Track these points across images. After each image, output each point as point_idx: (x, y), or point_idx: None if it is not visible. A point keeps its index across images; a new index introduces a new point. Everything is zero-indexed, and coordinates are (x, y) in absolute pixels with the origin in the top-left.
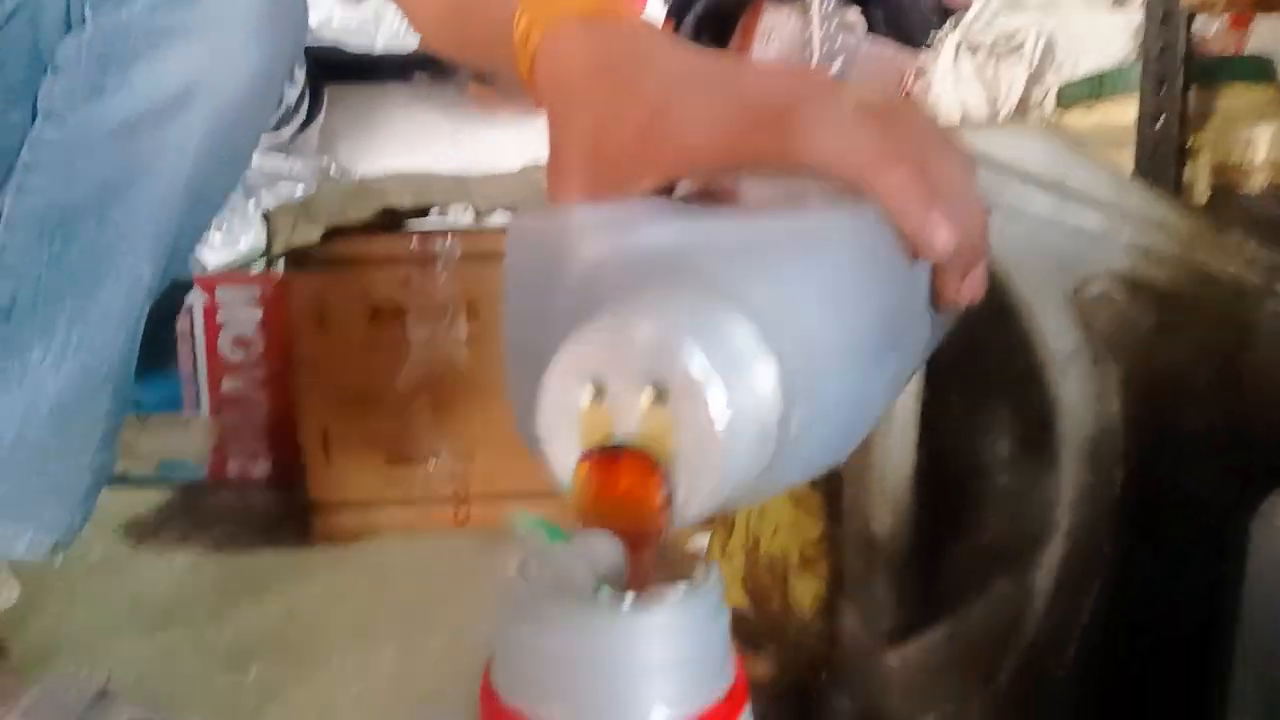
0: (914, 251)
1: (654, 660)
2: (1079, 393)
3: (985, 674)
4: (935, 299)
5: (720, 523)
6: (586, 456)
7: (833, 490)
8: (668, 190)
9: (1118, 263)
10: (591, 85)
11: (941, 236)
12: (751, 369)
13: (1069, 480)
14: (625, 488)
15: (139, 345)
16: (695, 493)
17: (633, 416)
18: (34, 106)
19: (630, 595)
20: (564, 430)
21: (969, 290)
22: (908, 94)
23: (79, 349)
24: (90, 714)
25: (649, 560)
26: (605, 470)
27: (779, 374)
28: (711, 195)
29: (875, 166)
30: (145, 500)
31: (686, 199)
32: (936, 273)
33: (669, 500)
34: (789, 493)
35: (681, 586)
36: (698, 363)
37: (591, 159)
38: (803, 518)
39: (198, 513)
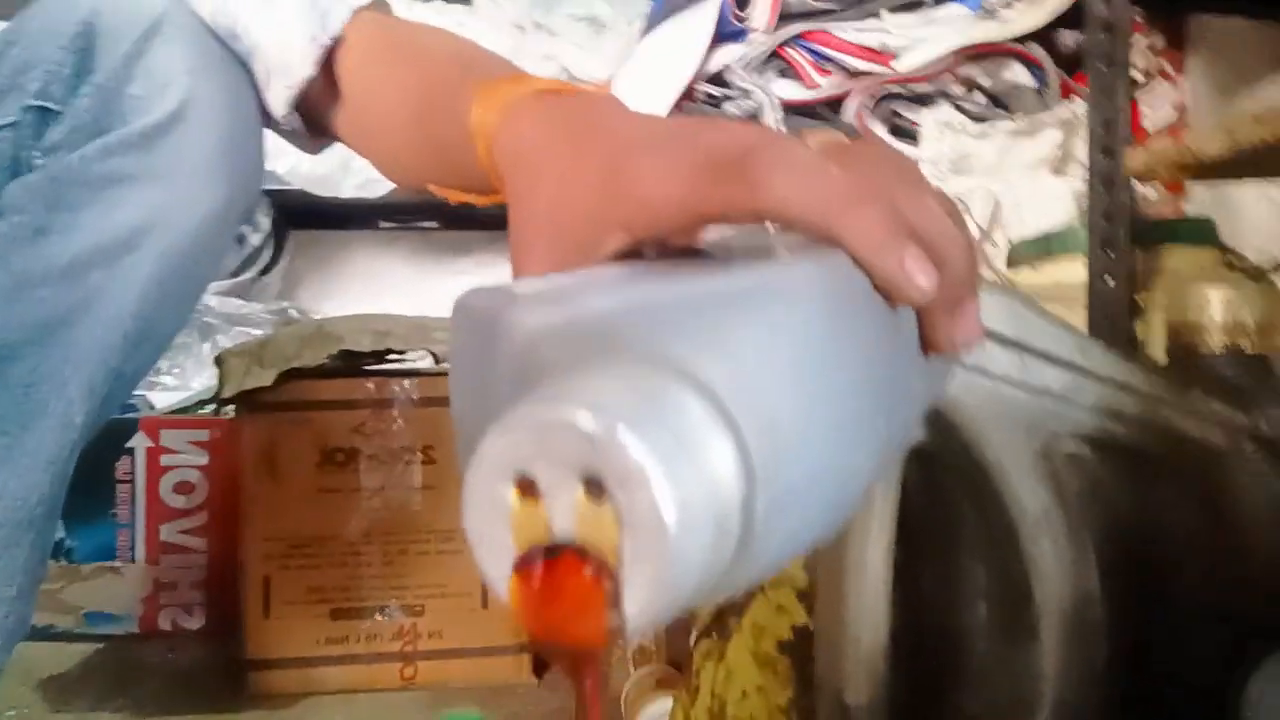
0: (892, 298)
1: None
2: (1054, 557)
3: None
4: (925, 343)
5: (684, 687)
6: (521, 562)
7: (803, 655)
8: (633, 255)
9: (1084, 422)
10: (548, 153)
11: (918, 279)
12: (703, 450)
13: (1051, 650)
14: (567, 595)
15: (65, 492)
16: (647, 596)
17: (570, 513)
18: None
19: None
20: (495, 533)
21: (962, 332)
22: None
23: (2, 496)
24: None
25: (596, 688)
26: (543, 577)
27: (736, 453)
28: (678, 258)
29: (840, 207)
30: (69, 655)
31: (650, 263)
32: (923, 317)
33: (617, 606)
34: (756, 655)
35: None
36: (635, 449)
37: (551, 227)
38: (771, 681)
39: (125, 669)
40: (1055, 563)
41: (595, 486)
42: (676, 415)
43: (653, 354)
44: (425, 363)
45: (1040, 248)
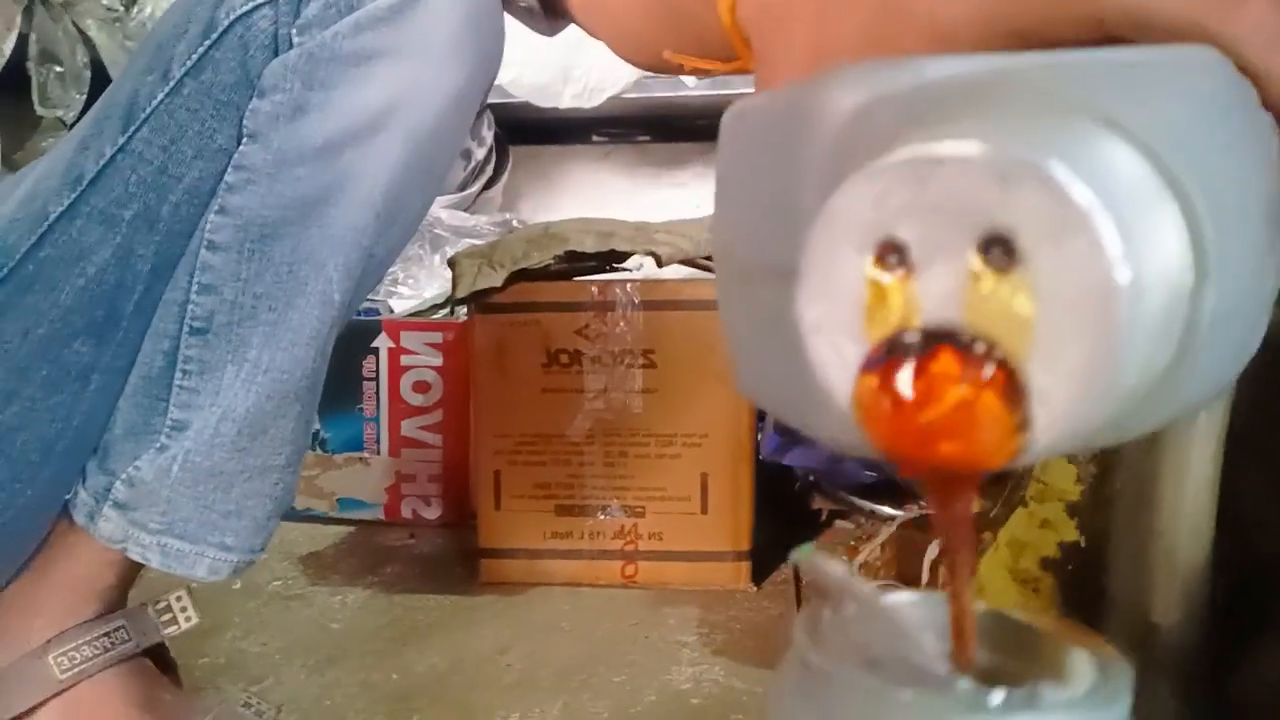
0: None
1: None
2: None
3: None
4: None
5: None
6: (881, 355)
7: (1072, 574)
8: None
9: None
10: None
11: None
12: (1149, 212)
13: None
14: (947, 399)
15: (325, 368)
16: (1070, 397)
17: (955, 288)
18: (239, 128)
19: (1000, 690)
20: (841, 317)
21: None
22: None
23: (269, 368)
24: None
25: (969, 516)
26: (914, 374)
27: (1187, 226)
28: None
29: (1225, 1)
30: (325, 536)
31: None
32: None
33: (1022, 416)
34: (1014, 573)
35: (1084, 674)
36: (1074, 186)
37: (810, 75)
38: (1032, 600)
39: (372, 551)
40: None
41: (999, 246)
42: (1112, 165)
43: (1059, 100)
44: (647, 269)
45: None
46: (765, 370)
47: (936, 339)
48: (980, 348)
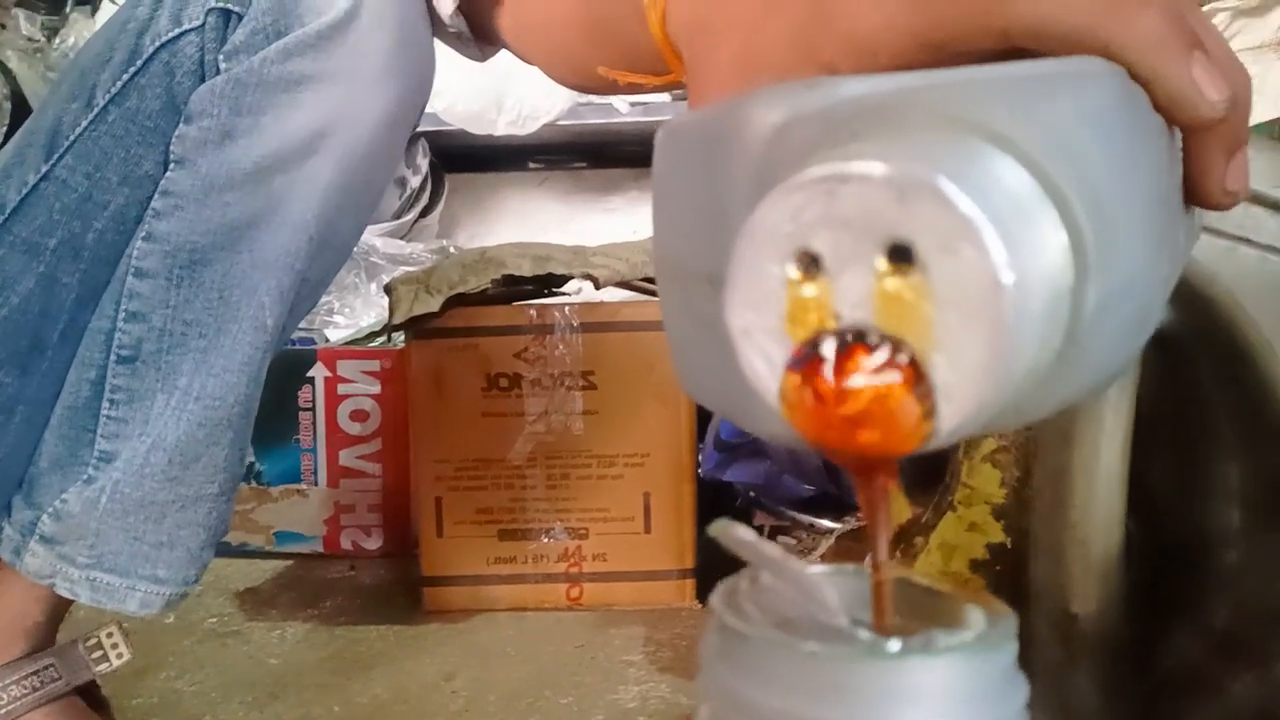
0: (1175, 114)
1: None
2: None
3: None
4: (1193, 190)
5: None
6: (803, 356)
7: (1000, 574)
8: None
9: None
10: (730, 6)
11: (1210, 91)
12: (1031, 221)
13: None
14: (863, 392)
15: (259, 395)
16: (969, 387)
17: (865, 293)
18: (166, 154)
19: (897, 638)
20: (766, 322)
21: (1235, 178)
22: None
23: (201, 396)
24: None
25: (887, 492)
26: (833, 372)
27: (1066, 230)
28: None
29: (1112, 9)
30: (262, 570)
31: None
32: (1196, 151)
33: (929, 405)
34: (946, 576)
35: (975, 625)
36: (961, 200)
37: (739, 83)
38: None
39: (312, 584)
40: None
41: (901, 254)
42: (997, 178)
43: (953, 119)
44: (585, 292)
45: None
46: (704, 369)
47: (851, 339)
48: (889, 347)
